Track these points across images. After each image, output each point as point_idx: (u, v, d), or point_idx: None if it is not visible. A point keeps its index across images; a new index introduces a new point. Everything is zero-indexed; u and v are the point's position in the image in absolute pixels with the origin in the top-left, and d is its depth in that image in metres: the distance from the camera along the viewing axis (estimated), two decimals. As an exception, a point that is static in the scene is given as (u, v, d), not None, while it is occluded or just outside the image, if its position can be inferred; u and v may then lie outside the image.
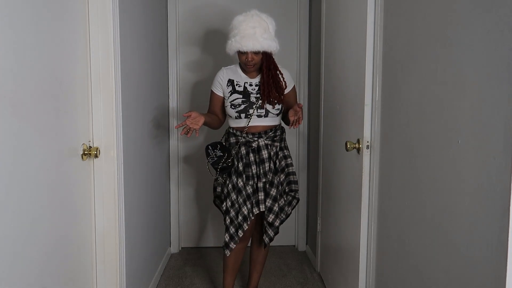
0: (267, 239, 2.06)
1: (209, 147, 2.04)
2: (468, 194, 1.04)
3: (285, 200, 2.11)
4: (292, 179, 2.13)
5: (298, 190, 2.15)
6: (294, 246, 3.17)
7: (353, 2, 1.88)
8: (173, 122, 2.95)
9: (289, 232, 3.15)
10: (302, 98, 3.00)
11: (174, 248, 3.05)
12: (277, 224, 2.04)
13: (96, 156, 1.58)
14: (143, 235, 2.17)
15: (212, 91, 2.14)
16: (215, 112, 2.13)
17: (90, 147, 1.60)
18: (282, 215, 2.08)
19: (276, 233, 2.07)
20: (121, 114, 1.69)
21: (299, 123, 1.93)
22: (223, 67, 2.14)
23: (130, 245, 1.87)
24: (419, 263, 1.33)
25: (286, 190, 2.13)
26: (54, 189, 1.29)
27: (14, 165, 1.06)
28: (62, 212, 1.36)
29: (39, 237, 1.20)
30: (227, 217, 2.02)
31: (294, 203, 2.16)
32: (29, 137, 1.14)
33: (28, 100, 1.13)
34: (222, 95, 2.11)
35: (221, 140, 2.14)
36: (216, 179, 2.13)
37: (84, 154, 1.52)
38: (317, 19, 2.70)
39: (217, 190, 2.12)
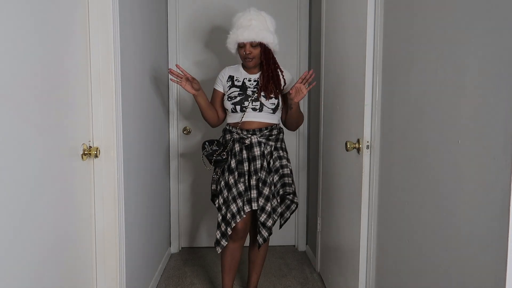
0: (260, 239, 2.05)
1: (206, 142, 2.09)
2: (468, 194, 1.04)
3: (278, 202, 2.09)
4: (287, 181, 2.11)
5: (295, 193, 2.13)
6: (294, 246, 3.17)
7: (353, 2, 1.88)
8: (173, 122, 2.96)
9: (289, 232, 3.16)
10: (302, 98, 3.00)
11: (174, 248, 3.05)
12: (269, 224, 2.03)
13: (96, 156, 1.58)
14: (143, 235, 2.17)
15: (214, 88, 2.21)
16: (214, 108, 2.21)
17: (90, 147, 1.60)
18: (274, 216, 2.06)
19: (269, 234, 2.06)
20: (121, 114, 1.69)
21: (301, 94, 1.99)
22: (226, 66, 2.21)
23: (130, 245, 1.87)
24: (419, 263, 1.33)
25: (281, 192, 2.11)
26: (54, 189, 1.29)
27: (14, 165, 1.06)
28: (62, 212, 1.36)
29: (39, 237, 1.20)
30: (219, 214, 2.04)
31: (293, 208, 2.15)
32: (29, 137, 1.14)
33: (28, 100, 1.13)
34: (222, 90, 2.17)
35: (219, 138, 2.17)
36: (214, 177, 2.15)
37: (84, 154, 1.52)
38: (317, 19, 2.70)
39: (213, 187, 2.14)
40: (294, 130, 2.25)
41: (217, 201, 2.06)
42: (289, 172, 2.12)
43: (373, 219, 1.73)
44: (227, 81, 2.13)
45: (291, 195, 2.13)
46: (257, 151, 2.03)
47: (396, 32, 1.50)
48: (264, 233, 2.05)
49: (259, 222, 2.04)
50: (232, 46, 2.07)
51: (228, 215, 2.00)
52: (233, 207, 2.00)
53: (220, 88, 2.17)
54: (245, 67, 2.14)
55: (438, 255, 1.20)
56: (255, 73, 2.12)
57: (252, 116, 2.05)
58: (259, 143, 2.04)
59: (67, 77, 1.39)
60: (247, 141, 2.03)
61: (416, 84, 1.34)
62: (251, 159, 2.03)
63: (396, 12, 1.51)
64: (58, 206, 1.33)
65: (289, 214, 2.15)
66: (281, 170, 2.10)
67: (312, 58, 2.90)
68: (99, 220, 1.65)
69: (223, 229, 2.02)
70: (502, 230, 0.90)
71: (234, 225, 2.00)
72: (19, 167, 1.09)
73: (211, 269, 2.73)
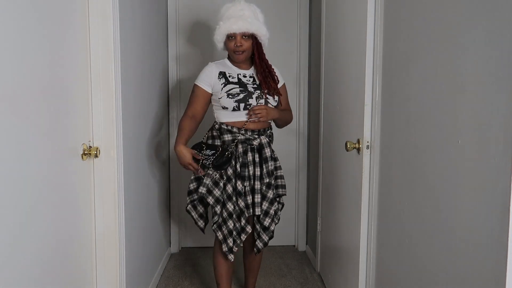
0: (260, 244, 1.96)
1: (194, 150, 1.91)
2: (468, 194, 1.04)
3: (278, 204, 2.02)
4: (280, 183, 2.03)
5: (284, 195, 2.05)
6: (294, 246, 3.16)
7: (353, 2, 1.88)
8: (174, 122, 2.95)
9: (289, 232, 3.15)
10: (302, 98, 3.00)
11: (174, 248, 3.05)
12: (272, 228, 1.96)
13: (96, 156, 1.58)
14: (143, 235, 2.17)
15: (196, 85, 1.95)
16: (196, 110, 1.94)
17: (90, 147, 1.60)
18: (275, 219, 1.99)
19: (270, 237, 1.98)
20: (121, 114, 1.69)
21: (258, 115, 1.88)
22: (210, 62, 2.01)
23: (130, 245, 1.87)
24: (419, 263, 1.33)
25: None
26: (54, 189, 1.29)
27: (14, 165, 1.06)
28: (62, 212, 1.36)
29: (39, 237, 1.20)
30: (224, 227, 1.91)
31: (280, 208, 2.08)
32: (29, 137, 1.14)
33: (28, 100, 1.13)
34: (210, 90, 1.93)
35: (203, 140, 1.98)
36: (194, 179, 1.97)
37: (84, 154, 1.52)
38: (317, 19, 2.70)
39: (202, 191, 1.90)
40: (280, 128, 2.19)
41: (222, 211, 1.89)
42: (283, 174, 2.06)
43: (373, 219, 1.72)
44: (219, 78, 1.92)
45: (280, 197, 2.06)
46: (267, 152, 1.93)
47: (396, 32, 1.50)
48: (265, 237, 1.96)
49: (259, 227, 1.95)
50: (220, 39, 1.92)
51: (238, 227, 1.89)
52: (243, 218, 1.89)
53: (207, 87, 1.93)
54: (233, 62, 1.99)
55: (438, 255, 1.20)
56: (247, 69, 1.99)
57: None
58: (269, 143, 1.95)
59: (67, 77, 1.39)
60: (255, 142, 1.91)
61: (416, 84, 1.34)
62: (259, 162, 1.91)
63: (396, 12, 1.51)
64: (58, 206, 1.33)
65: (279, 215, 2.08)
66: (275, 172, 2.01)
67: (312, 58, 2.90)
68: (99, 220, 1.65)
69: (230, 244, 1.90)
70: (502, 230, 0.90)
71: (244, 238, 1.90)
72: (19, 167, 1.09)
73: (211, 269, 2.73)
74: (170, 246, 3.03)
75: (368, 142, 1.74)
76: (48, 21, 1.25)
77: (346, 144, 1.80)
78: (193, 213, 2.02)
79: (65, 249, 1.38)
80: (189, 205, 2.02)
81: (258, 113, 1.88)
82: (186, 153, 1.88)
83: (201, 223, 2.03)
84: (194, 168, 1.89)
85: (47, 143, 1.24)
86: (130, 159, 1.89)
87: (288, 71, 3.00)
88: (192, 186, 1.99)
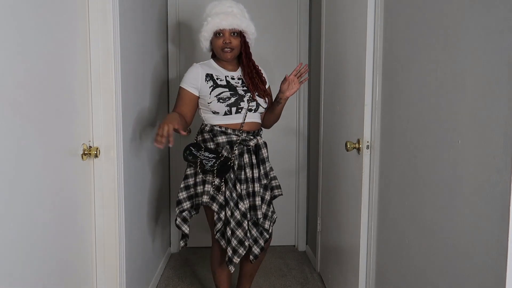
0: (258, 249, 1.85)
1: (191, 148, 1.82)
2: (468, 194, 1.04)
3: (273, 206, 1.97)
4: (275, 184, 2.00)
5: (281, 195, 2.02)
6: (294, 246, 3.17)
7: (353, 2, 1.88)
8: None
9: (289, 232, 3.15)
10: (302, 98, 3.00)
11: (174, 248, 3.05)
12: (271, 230, 1.91)
13: (96, 156, 1.58)
14: (143, 235, 2.17)
15: (182, 88, 1.87)
16: (183, 112, 1.86)
17: (90, 147, 1.60)
18: (271, 222, 1.93)
19: (266, 240, 1.89)
20: (121, 114, 1.69)
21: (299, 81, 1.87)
22: (195, 63, 1.93)
23: (130, 245, 1.87)
24: (419, 263, 1.33)
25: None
26: (54, 189, 1.29)
27: (14, 165, 1.06)
28: (62, 212, 1.36)
29: (39, 236, 1.20)
30: (228, 229, 1.82)
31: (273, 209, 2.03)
32: (29, 137, 1.14)
33: (28, 100, 1.13)
34: (197, 93, 1.87)
35: (195, 141, 1.90)
36: (184, 188, 1.88)
37: (84, 154, 1.52)
38: (317, 19, 2.70)
39: (206, 200, 1.81)
40: (269, 128, 2.14)
41: (219, 216, 1.82)
42: (276, 174, 2.03)
43: (373, 219, 1.73)
44: (206, 80, 1.85)
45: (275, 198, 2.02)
46: (265, 152, 1.90)
47: (396, 32, 1.50)
48: (261, 241, 1.87)
49: (255, 231, 1.86)
50: (208, 36, 1.85)
51: (238, 235, 1.80)
52: (245, 226, 1.81)
53: (194, 90, 1.86)
54: (218, 62, 1.94)
55: (438, 255, 1.20)
56: (234, 70, 1.93)
57: (251, 117, 1.89)
58: (265, 144, 1.93)
59: (67, 77, 1.39)
60: (252, 143, 1.86)
61: (416, 84, 1.34)
62: (256, 163, 1.88)
63: (396, 12, 1.51)
64: (58, 206, 1.33)
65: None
66: (269, 173, 1.98)
67: (312, 58, 2.90)
68: (99, 220, 1.65)
69: (229, 254, 1.81)
70: (502, 230, 0.90)
71: (247, 246, 1.81)
72: (19, 167, 1.09)
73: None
74: (170, 246, 3.03)
75: (368, 142, 1.74)
76: (48, 21, 1.25)
77: (346, 144, 1.80)
78: (183, 228, 1.89)
79: (65, 249, 1.38)
80: (179, 219, 1.88)
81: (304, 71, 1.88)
82: (176, 116, 1.68)
83: (185, 228, 1.90)
84: (168, 129, 1.58)
85: (47, 143, 1.24)
86: (130, 159, 1.89)
87: (288, 71, 2.99)
88: (182, 195, 1.88)
